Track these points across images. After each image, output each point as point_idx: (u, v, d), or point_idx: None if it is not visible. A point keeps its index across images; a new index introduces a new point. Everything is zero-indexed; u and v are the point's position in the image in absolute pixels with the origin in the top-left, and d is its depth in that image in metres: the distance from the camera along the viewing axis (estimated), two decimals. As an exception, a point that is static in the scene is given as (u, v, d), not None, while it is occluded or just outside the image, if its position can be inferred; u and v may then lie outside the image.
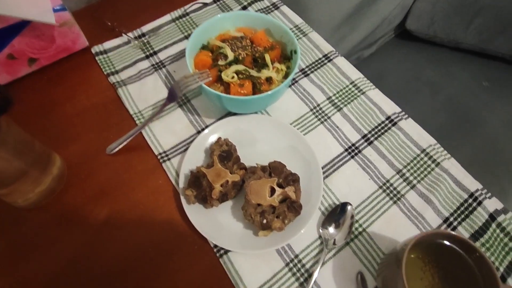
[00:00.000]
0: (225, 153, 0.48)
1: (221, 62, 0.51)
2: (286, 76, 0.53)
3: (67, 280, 0.43)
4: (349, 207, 0.47)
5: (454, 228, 0.48)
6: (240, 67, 0.50)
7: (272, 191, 0.45)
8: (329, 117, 0.57)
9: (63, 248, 0.45)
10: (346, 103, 0.58)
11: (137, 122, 0.55)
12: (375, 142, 0.55)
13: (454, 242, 0.39)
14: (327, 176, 0.51)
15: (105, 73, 0.59)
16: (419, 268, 0.41)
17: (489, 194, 0.51)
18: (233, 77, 0.50)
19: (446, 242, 0.40)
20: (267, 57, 0.52)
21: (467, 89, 0.97)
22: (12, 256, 0.44)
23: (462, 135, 0.88)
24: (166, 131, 0.54)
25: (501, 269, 0.46)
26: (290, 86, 0.60)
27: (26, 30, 0.51)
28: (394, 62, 1.06)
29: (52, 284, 0.43)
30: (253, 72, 0.51)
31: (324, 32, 0.67)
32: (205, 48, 0.55)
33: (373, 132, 0.56)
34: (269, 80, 0.52)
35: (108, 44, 0.62)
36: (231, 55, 0.51)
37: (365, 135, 0.55)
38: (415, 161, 0.53)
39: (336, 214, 0.47)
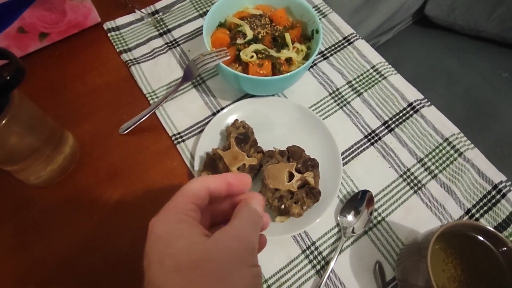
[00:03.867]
0: (242, 136, 0.46)
1: (239, 41, 0.49)
2: (306, 57, 0.51)
3: (78, 261, 0.42)
4: (369, 195, 0.46)
5: (476, 220, 0.47)
6: (259, 46, 0.48)
7: (291, 176, 0.44)
8: (348, 102, 0.55)
9: (75, 229, 0.44)
10: (366, 88, 0.56)
11: (151, 101, 0.53)
12: (396, 130, 0.53)
13: (482, 234, 0.38)
14: (345, 163, 0.50)
15: (117, 50, 0.57)
16: (441, 259, 0.39)
17: (513, 187, 0.49)
18: (252, 57, 0.47)
19: (473, 234, 0.38)
20: (287, 37, 0.49)
21: (486, 80, 0.94)
22: (23, 235, 0.43)
23: (480, 127, 0.85)
24: (180, 112, 0.52)
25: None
26: (308, 69, 0.57)
27: (37, 2, 0.49)
28: (411, 49, 1.02)
29: (63, 266, 0.42)
30: (273, 52, 0.48)
31: (342, 16, 0.64)
32: (222, 26, 0.52)
33: (394, 119, 0.53)
34: (288, 61, 0.49)
35: (121, 21, 0.60)
36: (250, 34, 0.49)
37: (385, 122, 0.53)
38: (437, 150, 0.51)
39: (356, 201, 0.46)
